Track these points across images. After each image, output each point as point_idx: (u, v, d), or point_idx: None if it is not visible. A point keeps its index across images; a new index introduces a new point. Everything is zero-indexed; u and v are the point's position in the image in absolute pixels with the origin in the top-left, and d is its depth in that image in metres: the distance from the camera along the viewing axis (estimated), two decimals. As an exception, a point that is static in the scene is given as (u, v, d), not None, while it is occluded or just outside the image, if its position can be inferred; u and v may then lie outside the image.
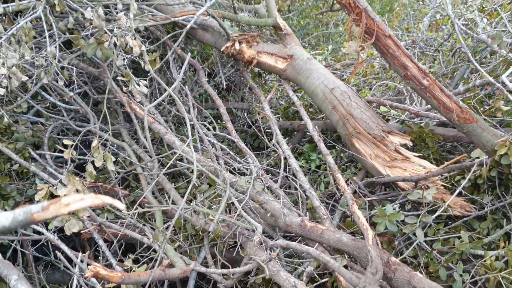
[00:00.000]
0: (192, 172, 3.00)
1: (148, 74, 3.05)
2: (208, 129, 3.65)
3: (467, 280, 2.40)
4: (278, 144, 3.50)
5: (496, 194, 2.99)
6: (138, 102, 3.47)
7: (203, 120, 3.99)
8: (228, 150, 3.44)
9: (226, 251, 3.26)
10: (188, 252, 3.19)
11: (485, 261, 2.41)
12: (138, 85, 2.74)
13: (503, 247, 2.41)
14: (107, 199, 0.95)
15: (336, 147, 4.10)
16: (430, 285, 2.10)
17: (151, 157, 3.33)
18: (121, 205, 0.96)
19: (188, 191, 2.61)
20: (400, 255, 2.88)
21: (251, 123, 4.41)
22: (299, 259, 2.91)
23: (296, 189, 3.24)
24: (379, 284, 2.23)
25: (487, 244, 2.68)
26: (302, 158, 4.27)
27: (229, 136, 3.58)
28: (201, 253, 3.27)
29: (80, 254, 2.68)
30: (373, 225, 2.82)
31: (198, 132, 3.41)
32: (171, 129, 3.81)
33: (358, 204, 3.07)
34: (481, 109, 3.36)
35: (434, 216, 2.75)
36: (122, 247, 3.35)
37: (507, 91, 2.72)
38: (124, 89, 3.05)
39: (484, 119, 3.28)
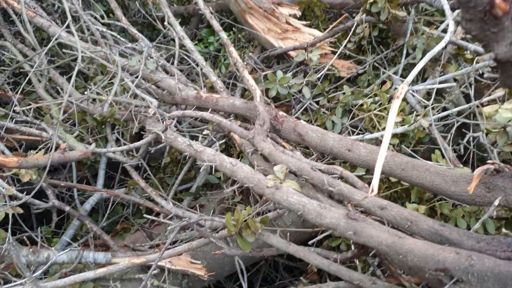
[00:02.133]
0: (84, 62, 2.95)
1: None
2: (96, 19, 3.51)
3: (347, 122, 2.65)
4: (171, 26, 3.46)
5: (378, 53, 3.22)
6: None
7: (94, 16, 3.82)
8: (119, 37, 3.35)
9: (133, 139, 3.32)
10: (92, 142, 3.21)
11: (362, 105, 2.66)
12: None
13: (377, 91, 2.66)
14: None
15: (234, 28, 4.13)
16: (311, 129, 2.30)
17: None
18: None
19: (74, 75, 2.56)
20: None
21: (145, 13, 4.28)
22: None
23: (192, 67, 3.28)
24: (270, 136, 2.41)
25: (367, 94, 2.93)
26: (201, 44, 4.27)
27: (118, 23, 3.47)
28: (108, 145, 3.30)
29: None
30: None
31: (85, 22, 3.27)
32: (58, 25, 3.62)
33: (255, 78, 3.19)
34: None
35: (320, 75, 2.94)
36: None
37: None
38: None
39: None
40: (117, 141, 3.20)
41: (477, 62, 2.51)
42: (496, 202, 1.64)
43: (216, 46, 4.16)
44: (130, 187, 3.22)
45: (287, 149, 2.33)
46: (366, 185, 1.92)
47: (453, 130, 2.77)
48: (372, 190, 1.46)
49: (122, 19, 3.47)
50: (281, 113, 2.51)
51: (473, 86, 2.75)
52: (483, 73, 2.72)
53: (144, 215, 2.38)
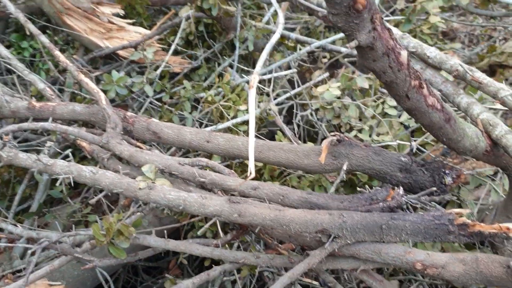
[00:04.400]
0: None
1: None
2: None
3: (196, 116, 2.75)
4: (-24, 33, 3.06)
5: (207, 46, 3.37)
6: None
7: None
8: None
9: None
10: None
11: (206, 98, 2.77)
12: None
13: (218, 82, 2.81)
14: None
15: (48, 31, 3.83)
16: (166, 126, 2.33)
17: None
18: None
19: None
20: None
21: None
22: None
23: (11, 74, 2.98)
24: (122, 138, 2.36)
25: (206, 87, 3.06)
26: (13, 50, 3.86)
27: None
28: None
29: None
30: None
31: None
32: None
33: (85, 81, 3.04)
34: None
35: (158, 72, 2.96)
36: None
37: None
38: None
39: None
40: None
41: (300, 49, 2.83)
42: (345, 167, 1.93)
43: (31, 52, 3.80)
44: (-46, 219, 2.79)
45: (144, 149, 2.31)
46: (232, 171, 2.04)
47: (284, 112, 3.10)
48: (250, 173, 1.59)
49: None
50: (129, 113, 2.47)
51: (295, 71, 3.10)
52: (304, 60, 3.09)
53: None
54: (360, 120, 2.77)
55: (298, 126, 3.13)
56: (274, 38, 2.14)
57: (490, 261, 1.44)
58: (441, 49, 2.69)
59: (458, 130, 1.67)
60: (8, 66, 2.95)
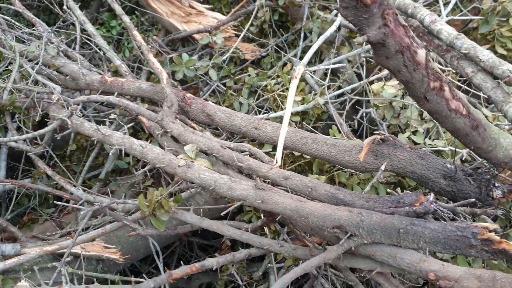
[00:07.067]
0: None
1: None
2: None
3: (253, 103, 2.79)
4: (70, 10, 3.35)
5: (279, 36, 3.39)
6: None
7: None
8: (13, 21, 3.18)
9: (35, 127, 3.19)
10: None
11: (266, 86, 2.81)
12: None
13: (279, 72, 2.83)
14: None
15: (136, 12, 4.08)
16: (219, 109, 2.41)
17: None
18: None
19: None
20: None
21: (40, -4, 4.08)
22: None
23: (95, 51, 3.22)
24: (179, 117, 2.48)
25: (270, 76, 3.09)
26: (103, 28, 4.17)
27: (12, 7, 3.29)
28: (8, 134, 3.16)
29: None
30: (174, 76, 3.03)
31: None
32: None
33: (160, 61, 3.21)
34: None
35: (225, 57, 3.04)
36: None
37: None
38: None
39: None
40: (18, 129, 3.08)
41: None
42: (383, 167, 1.87)
43: (118, 30, 4.08)
44: (36, 177, 3.11)
45: (197, 130, 2.41)
46: (272, 159, 2.06)
47: (347, 107, 3.04)
48: (276, 162, 1.61)
49: (16, 2, 3.28)
50: (188, 95, 2.58)
51: (364, 66, 3.02)
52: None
53: (55, 202, 2.34)
54: (425, 122, 2.65)
55: (360, 123, 3.06)
56: (329, 31, 2.13)
57: (509, 282, 1.34)
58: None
59: (488, 139, 1.54)
60: (88, 41, 3.18)
